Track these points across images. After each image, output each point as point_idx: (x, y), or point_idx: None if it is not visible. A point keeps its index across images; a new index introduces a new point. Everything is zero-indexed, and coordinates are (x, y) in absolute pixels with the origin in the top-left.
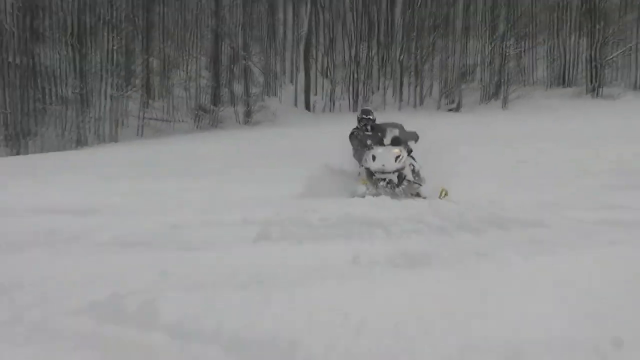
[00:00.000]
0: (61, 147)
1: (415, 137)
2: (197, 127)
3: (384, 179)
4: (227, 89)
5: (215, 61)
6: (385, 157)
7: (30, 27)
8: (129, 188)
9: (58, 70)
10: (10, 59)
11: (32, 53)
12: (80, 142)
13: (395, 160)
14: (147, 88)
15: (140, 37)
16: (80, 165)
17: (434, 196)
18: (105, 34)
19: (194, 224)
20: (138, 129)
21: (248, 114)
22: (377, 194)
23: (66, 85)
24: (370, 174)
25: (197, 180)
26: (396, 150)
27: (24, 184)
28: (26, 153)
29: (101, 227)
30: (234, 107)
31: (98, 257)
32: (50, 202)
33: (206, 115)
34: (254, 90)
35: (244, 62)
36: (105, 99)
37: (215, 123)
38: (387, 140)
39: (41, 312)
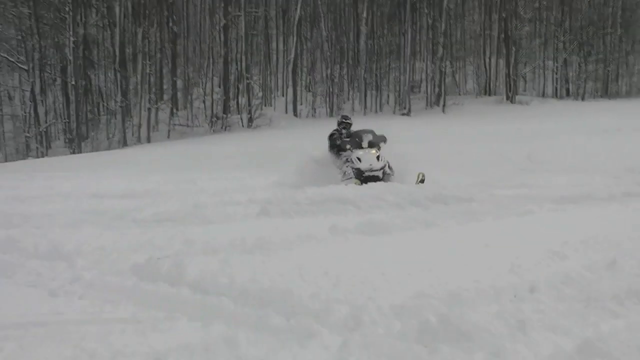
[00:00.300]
0: (109, 147)
1: (384, 139)
2: (211, 130)
3: (373, 176)
4: (234, 101)
5: (225, 80)
6: (369, 158)
7: (85, 56)
8: (160, 178)
9: (106, 88)
10: (71, 82)
11: (87, 76)
12: (123, 143)
13: (378, 159)
14: (174, 101)
15: (168, 63)
16: (123, 161)
17: (407, 181)
18: (142, 61)
19: (210, 204)
20: (167, 133)
21: (250, 120)
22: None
23: (113, 100)
24: (360, 173)
25: (212, 171)
26: (373, 151)
27: (80, 175)
28: (82, 152)
29: (139, 207)
30: (240, 114)
31: (138, 231)
32: (101, 189)
33: (218, 122)
34: (254, 101)
35: (246, 80)
36: (143, 110)
37: (226, 127)
38: (364, 144)
39: (95, 273)
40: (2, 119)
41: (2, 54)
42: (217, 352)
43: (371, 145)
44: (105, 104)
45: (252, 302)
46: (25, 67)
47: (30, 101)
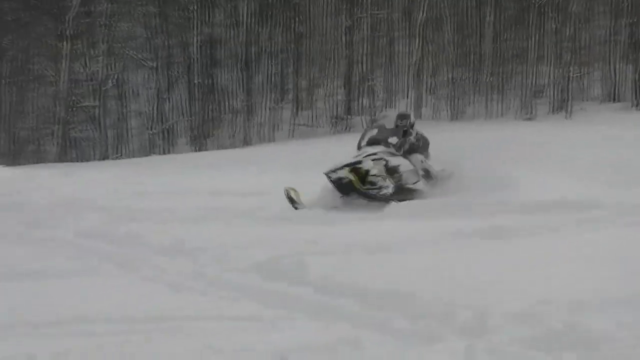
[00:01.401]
0: (232, 146)
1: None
2: (333, 131)
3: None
4: (356, 102)
5: (347, 81)
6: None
7: (210, 55)
8: (283, 176)
9: (230, 87)
10: (196, 80)
11: (212, 75)
12: (246, 142)
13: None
14: (297, 101)
15: (292, 63)
16: (245, 159)
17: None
18: (266, 61)
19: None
20: (289, 132)
21: (372, 121)
22: None
23: (236, 99)
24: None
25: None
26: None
27: (204, 172)
28: (205, 150)
29: (262, 206)
30: (361, 116)
31: (259, 228)
32: (224, 187)
33: (341, 122)
34: (376, 103)
35: (369, 82)
36: (266, 109)
37: (348, 128)
38: (363, 142)
39: (217, 270)
40: (128, 115)
41: (129, 52)
42: (340, 352)
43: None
44: (228, 103)
45: (375, 304)
46: (151, 65)
47: (156, 99)
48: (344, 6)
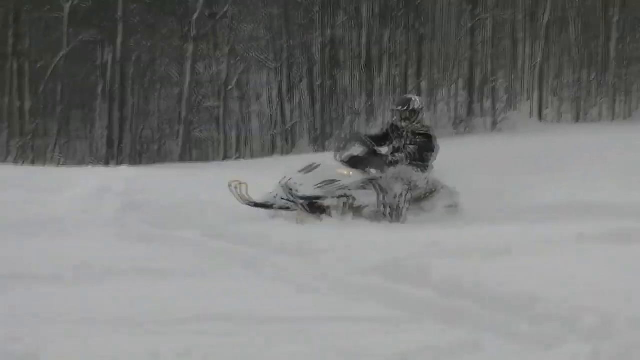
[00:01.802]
0: None
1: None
2: (455, 133)
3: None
4: (478, 104)
5: (470, 83)
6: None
7: (332, 57)
8: None
9: (351, 89)
10: (317, 81)
11: (333, 76)
12: None
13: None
14: None
15: (413, 64)
16: None
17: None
18: (388, 62)
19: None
20: None
21: (494, 123)
22: None
23: (357, 100)
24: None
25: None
26: (345, 172)
27: None
28: (325, 150)
29: None
30: (483, 117)
31: (383, 231)
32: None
33: (462, 124)
34: (498, 105)
35: (491, 84)
36: (386, 111)
37: (469, 130)
38: (339, 157)
39: (339, 271)
40: (250, 116)
41: (252, 53)
42: (462, 355)
43: (355, 163)
44: (349, 104)
45: (497, 307)
46: (273, 66)
47: (277, 99)
48: (467, 8)
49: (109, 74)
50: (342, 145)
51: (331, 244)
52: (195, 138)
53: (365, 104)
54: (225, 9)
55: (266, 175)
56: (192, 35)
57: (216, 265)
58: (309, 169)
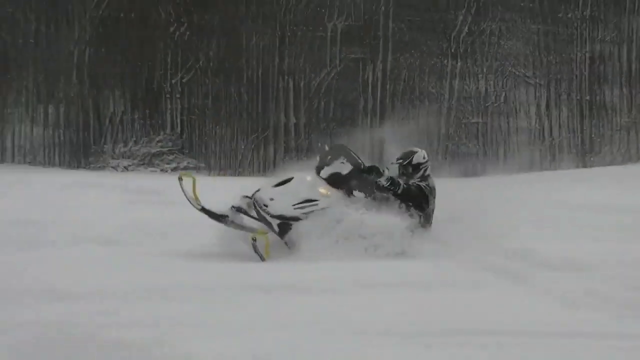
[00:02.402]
0: (622, 162)
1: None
2: None
3: None
4: None
5: None
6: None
7: (596, 71)
8: None
9: (614, 104)
10: (580, 96)
11: (597, 91)
12: (631, 158)
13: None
14: None
15: None
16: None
17: None
18: None
19: None
20: None
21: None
22: None
23: (622, 115)
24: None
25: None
26: (323, 190)
27: (585, 187)
28: (591, 166)
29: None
30: None
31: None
32: (606, 201)
33: None
34: None
35: None
36: None
37: None
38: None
39: (611, 287)
40: (512, 131)
41: (514, 69)
42: None
43: (336, 181)
44: (614, 119)
45: None
46: (536, 82)
47: (540, 115)
48: None
49: (370, 89)
50: (326, 160)
51: (602, 260)
52: (457, 153)
53: (630, 119)
54: (487, 26)
55: (530, 190)
56: (454, 52)
57: (488, 280)
58: (282, 182)
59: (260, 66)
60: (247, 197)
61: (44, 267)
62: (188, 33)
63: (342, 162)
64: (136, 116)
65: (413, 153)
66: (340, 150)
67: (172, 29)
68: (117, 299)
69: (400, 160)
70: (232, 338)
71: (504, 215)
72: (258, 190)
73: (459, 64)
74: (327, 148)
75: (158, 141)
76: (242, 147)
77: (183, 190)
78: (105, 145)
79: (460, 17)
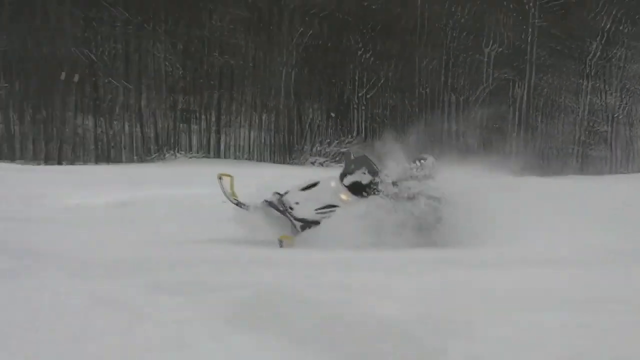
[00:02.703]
0: None
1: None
2: None
3: None
4: None
5: None
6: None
7: None
8: None
9: None
10: None
11: None
12: None
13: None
14: None
15: None
16: None
17: None
18: None
19: None
20: None
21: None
22: None
23: None
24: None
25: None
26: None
27: None
28: None
29: None
30: None
31: None
32: None
33: None
34: None
35: None
36: None
37: None
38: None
39: None
40: (635, 138)
41: (635, 87)
42: None
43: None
44: None
45: None
46: None
47: None
48: None
49: (517, 104)
50: (350, 169)
51: None
52: (589, 156)
53: None
54: (617, 52)
55: None
56: (588, 73)
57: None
58: (308, 186)
59: (429, 84)
60: (277, 193)
61: (264, 241)
62: (372, 57)
63: (364, 173)
64: (330, 123)
65: (422, 159)
66: (363, 161)
67: (359, 54)
68: (315, 267)
69: (415, 165)
70: (403, 301)
71: None
72: (287, 193)
73: (591, 83)
74: (352, 156)
75: (347, 142)
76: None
77: (221, 187)
78: (305, 146)
79: (594, 45)
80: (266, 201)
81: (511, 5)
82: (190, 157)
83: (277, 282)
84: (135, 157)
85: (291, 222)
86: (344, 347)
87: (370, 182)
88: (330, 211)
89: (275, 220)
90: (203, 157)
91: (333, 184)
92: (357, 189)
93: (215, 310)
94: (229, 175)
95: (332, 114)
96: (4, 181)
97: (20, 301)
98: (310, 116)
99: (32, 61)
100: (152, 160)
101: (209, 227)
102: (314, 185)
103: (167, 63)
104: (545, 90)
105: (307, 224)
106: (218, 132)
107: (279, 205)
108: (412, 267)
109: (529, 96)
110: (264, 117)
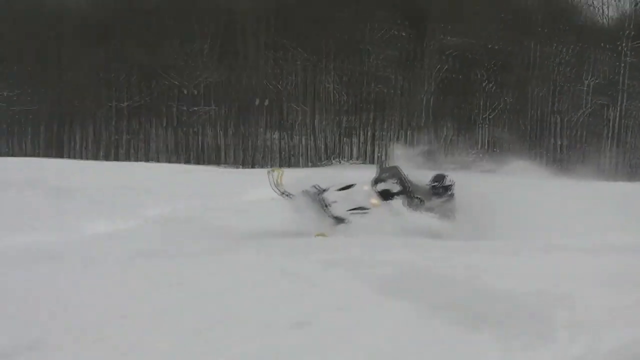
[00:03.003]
0: None
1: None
2: None
3: None
4: None
5: None
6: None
7: None
8: None
9: None
10: None
11: None
12: None
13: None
14: None
15: None
16: None
17: None
18: None
19: None
20: None
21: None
22: None
23: None
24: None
25: None
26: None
27: None
28: None
29: None
30: None
31: None
32: None
33: None
34: None
35: None
36: None
37: None
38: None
39: None
40: None
41: None
42: None
43: (386, 196)
44: None
45: None
46: None
47: None
48: None
49: (610, 124)
50: (383, 177)
51: None
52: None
53: None
54: None
55: None
56: None
57: None
58: (345, 187)
59: (539, 108)
60: (315, 187)
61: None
62: (493, 87)
63: (394, 182)
64: (459, 138)
65: (444, 177)
66: (395, 172)
67: (483, 84)
68: (442, 250)
69: (436, 183)
70: (520, 278)
71: None
72: (326, 190)
73: None
74: (385, 166)
75: (473, 153)
76: None
77: (270, 178)
78: (438, 157)
79: None
80: (304, 191)
81: (607, 45)
82: (352, 163)
83: (411, 260)
84: (309, 163)
85: (327, 216)
86: (470, 311)
87: (399, 192)
88: (360, 212)
89: (313, 207)
90: (361, 163)
91: (366, 187)
92: (386, 196)
93: (368, 281)
94: (280, 170)
95: (461, 131)
96: (211, 180)
97: (224, 273)
98: (444, 133)
99: (234, 90)
100: (322, 165)
101: None
102: (350, 187)
103: (334, 91)
104: (634, 112)
105: (339, 220)
106: (372, 144)
107: (319, 201)
108: (525, 252)
109: (620, 118)
110: (408, 134)
